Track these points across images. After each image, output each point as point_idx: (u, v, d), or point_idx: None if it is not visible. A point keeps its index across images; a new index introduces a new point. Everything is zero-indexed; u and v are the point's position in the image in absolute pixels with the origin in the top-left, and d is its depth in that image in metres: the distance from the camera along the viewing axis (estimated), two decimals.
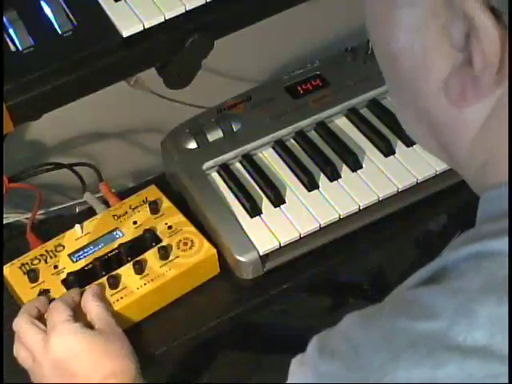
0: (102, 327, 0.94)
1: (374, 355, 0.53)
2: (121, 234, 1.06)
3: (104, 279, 1.01)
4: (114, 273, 1.02)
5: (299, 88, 1.18)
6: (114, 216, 1.09)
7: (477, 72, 0.55)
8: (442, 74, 0.58)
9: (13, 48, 0.92)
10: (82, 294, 0.99)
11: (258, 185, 1.09)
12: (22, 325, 0.95)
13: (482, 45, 0.53)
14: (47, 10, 0.95)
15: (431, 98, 0.60)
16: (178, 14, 0.95)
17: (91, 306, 0.96)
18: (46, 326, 0.94)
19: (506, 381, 0.50)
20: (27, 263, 1.04)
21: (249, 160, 1.12)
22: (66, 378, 0.91)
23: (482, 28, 0.53)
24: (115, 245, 1.05)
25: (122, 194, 1.13)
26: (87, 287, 1.00)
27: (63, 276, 1.02)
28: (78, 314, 0.96)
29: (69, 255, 1.05)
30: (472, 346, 0.51)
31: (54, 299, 1.00)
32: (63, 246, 1.06)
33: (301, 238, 1.04)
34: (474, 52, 0.54)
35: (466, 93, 0.57)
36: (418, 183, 1.09)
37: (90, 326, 0.94)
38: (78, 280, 1.01)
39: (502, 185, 0.58)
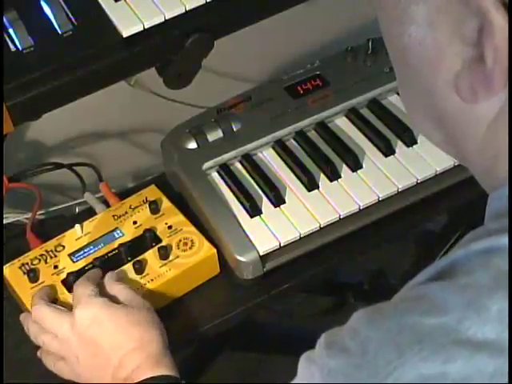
0: (127, 302, 0.95)
1: (382, 351, 0.53)
2: (121, 234, 1.06)
3: None
4: None
5: (299, 88, 1.18)
6: (113, 216, 1.09)
7: (488, 68, 0.55)
8: (452, 69, 0.57)
9: (13, 48, 0.92)
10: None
11: (258, 185, 1.09)
12: (42, 311, 0.96)
13: (495, 41, 0.53)
14: (47, 10, 0.95)
15: (441, 93, 0.60)
16: (178, 13, 0.95)
17: (115, 287, 0.97)
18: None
19: None
20: (27, 263, 1.04)
21: (249, 160, 1.12)
22: (93, 350, 0.92)
23: (496, 24, 0.52)
24: (115, 245, 1.05)
25: (122, 194, 1.13)
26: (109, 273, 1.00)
27: (63, 276, 1.02)
28: (102, 291, 0.96)
29: (69, 255, 1.05)
30: (482, 341, 0.51)
31: (54, 299, 1.00)
32: (63, 246, 1.06)
33: (301, 238, 1.04)
34: (486, 48, 0.54)
35: (477, 89, 0.56)
36: (417, 183, 1.09)
37: (115, 301, 0.95)
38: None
39: None
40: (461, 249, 0.57)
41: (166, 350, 0.91)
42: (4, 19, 0.93)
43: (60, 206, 1.26)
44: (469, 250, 0.56)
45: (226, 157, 1.12)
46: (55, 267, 1.04)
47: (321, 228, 1.05)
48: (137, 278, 1.02)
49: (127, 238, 1.06)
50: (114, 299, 0.96)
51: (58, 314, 0.95)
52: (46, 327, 0.95)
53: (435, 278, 0.57)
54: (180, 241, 1.05)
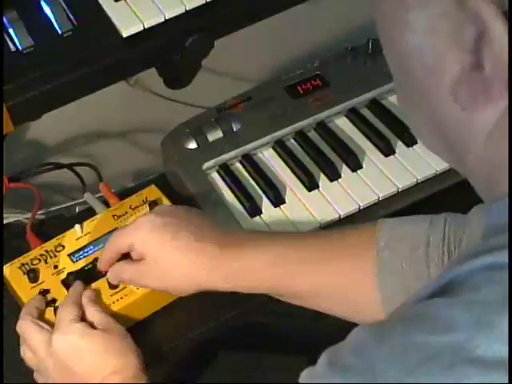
0: (103, 327, 0.94)
1: (391, 371, 0.52)
2: None
3: (104, 279, 1.01)
4: None
5: (299, 88, 1.18)
6: (113, 216, 1.08)
7: (487, 76, 0.54)
8: (451, 77, 0.57)
9: (13, 48, 0.92)
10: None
11: (258, 185, 1.09)
12: (26, 327, 0.95)
13: (494, 48, 0.53)
14: (47, 10, 0.95)
15: (440, 101, 0.59)
16: (178, 13, 0.96)
17: (90, 310, 0.96)
18: (47, 324, 0.95)
19: None
20: (27, 263, 1.04)
21: (249, 160, 1.12)
22: (68, 376, 0.91)
23: (494, 31, 0.52)
24: None
25: (122, 194, 1.13)
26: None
27: (63, 276, 1.02)
28: (84, 316, 0.95)
29: (69, 255, 1.05)
30: (492, 359, 0.50)
31: (53, 299, 1.00)
32: (63, 246, 1.06)
33: None
34: (484, 55, 0.54)
35: (476, 97, 0.56)
36: (417, 183, 1.09)
37: (93, 326, 0.95)
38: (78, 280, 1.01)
39: None
40: (460, 265, 0.56)
41: (142, 373, 0.91)
42: (4, 19, 0.93)
43: (60, 206, 1.26)
44: (471, 266, 0.55)
45: (225, 157, 1.12)
46: (55, 267, 1.04)
47: (321, 228, 1.05)
48: None
49: None
50: (92, 323, 0.94)
51: (39, 333, 0.94)
52: (27, 344, 0.95)
53: (439, 294, 0.56)
54: None
